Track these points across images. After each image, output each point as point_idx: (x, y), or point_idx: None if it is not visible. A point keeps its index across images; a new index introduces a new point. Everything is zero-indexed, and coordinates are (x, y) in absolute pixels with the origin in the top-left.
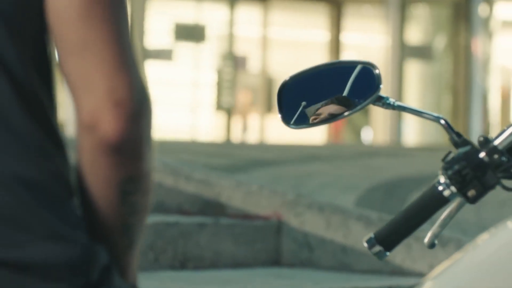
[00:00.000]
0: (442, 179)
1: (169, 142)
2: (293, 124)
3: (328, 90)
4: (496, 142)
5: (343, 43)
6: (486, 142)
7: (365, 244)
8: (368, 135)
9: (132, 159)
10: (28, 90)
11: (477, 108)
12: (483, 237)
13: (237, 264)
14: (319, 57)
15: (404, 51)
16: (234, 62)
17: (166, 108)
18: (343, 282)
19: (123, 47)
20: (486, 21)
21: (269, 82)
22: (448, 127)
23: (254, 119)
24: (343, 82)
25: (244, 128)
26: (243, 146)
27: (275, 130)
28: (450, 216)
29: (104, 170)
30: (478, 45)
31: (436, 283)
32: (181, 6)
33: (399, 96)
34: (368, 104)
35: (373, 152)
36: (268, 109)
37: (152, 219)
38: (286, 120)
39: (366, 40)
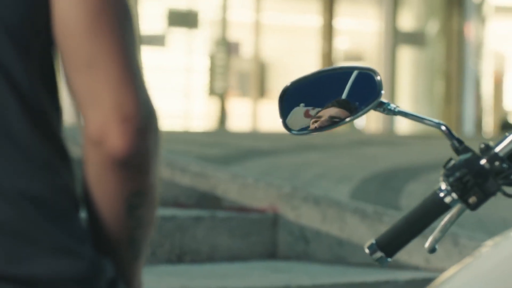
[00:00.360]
0: (443, 186)
1: (162, 131)
2: (294, 130)
3: (329, 95)
4: (497, 149)
5: (336, 29)
6: (487, 149)
7: (367, 250)
8: (361, 120)
9: (138, 174)
10: (34, 104)
11: (470, 93)
12: (487, 247)
13: (233, 257)
14: (312, 42)
15: (397, 37)
16: (227, 47)
17: (159, 93)
18: (339, 277)
19: (130, 62)
20: (479, 6)
21: (262, 67)
22: (449, 133)
23: (246, 104)
24: (344, 87)
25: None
26: (236, 134)
27: (268, 115)
28: (451, 222)
29: (111, 184)
30: (471, 30)
31: None
32: None
33: (392, 82)
34: (369, 109)
35: (366, 140)
36: (261, 94)
37: None
38: (288, 126)
39: (359, 26)
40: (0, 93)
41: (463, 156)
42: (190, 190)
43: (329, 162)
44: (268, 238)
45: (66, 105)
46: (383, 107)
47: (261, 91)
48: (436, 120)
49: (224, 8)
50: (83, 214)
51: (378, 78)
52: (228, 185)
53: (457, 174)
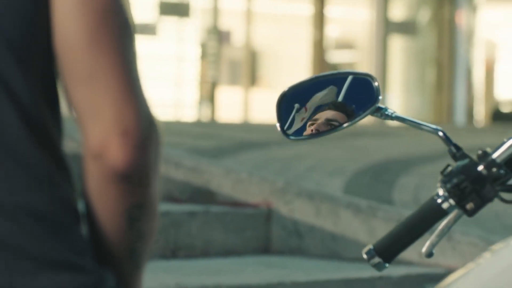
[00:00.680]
0: (440, 192)
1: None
2: (292, 136)
3: (326, 100)
4: (495, 155)
5: (327, 17)
6: (484, 155)
7: (364, 256)
8: None
9: (139, 186)
10: (35, 119)
11: (461, 81)
12: (487, 255)
13: (227, 252)
14: (304, 30)
15: (388, 25)
16: (218, 36)
17: (150, 82)
18: (333, 273)
19: (130, 76)
20: None
21: (253, 55)
22: (446, 139)
23: (237, 92)
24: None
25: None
26: (228, 125)
27: (259, 103)
28: (448, 227)
29: (111, 197)
30: (462, 18)
31: None
32: None
33: (383, 70)
34: (367, 115)
35: (358, 131)
36: (252, 82)
37: None
38: (285, 132)
39: (350, 14)
40: (1, 108)
41: (461, 163)
42: (184, 185)
43: (321, 154)
44: (262, 233)
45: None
46: (380, 112)
47: (253, 80)
48: (433, 126)
49: None
50: (84, 225)
51: (376, 84)
52: (222, 180)
53: (455, 180)
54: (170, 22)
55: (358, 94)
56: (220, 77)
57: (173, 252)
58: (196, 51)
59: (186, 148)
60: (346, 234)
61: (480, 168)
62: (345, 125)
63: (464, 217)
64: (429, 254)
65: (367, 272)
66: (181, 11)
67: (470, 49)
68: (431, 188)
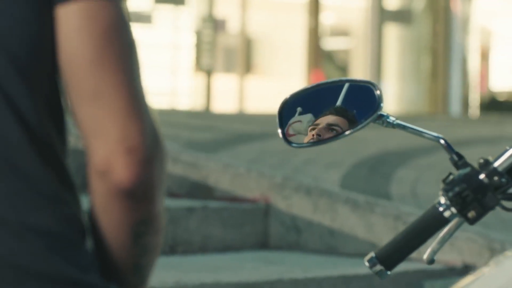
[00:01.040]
0: (442, 200)
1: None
2: (295, 144)
3: (328, 107)
4: (496, 164)
5: (322, 4)
6: (486, 164)
7: (367, 263)
8: None
9: (144, 203)
10: (41, 137)
11: (456, 69)
12: (490, 267)
13: (226, 247)
14: (299, 18)
15: (383, 12)
16: (213, 24)
17: (146, 70)
18: (331, 269)
19: (135, 93)
20: None
21: (248, 43)
22: (448, 147)
23: (233, 80)
24: (344, 100)
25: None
26: (224, 116)
27: (254, 91)
28: (449, 234)
29: (117, 213)
30: (457, 5)
31: None
32: None
33: (378, 58)
34: (369, 122)
35: None
36: (248, 70)
37: None
38: (288, 139)
39: (345, 1)
40: (7, 125)
41: (462, 171)
42: (182, 180)
43: (318, 147)
44: (260, 228)
45: None
46: (382, 120)
47: (248, 67)
48: (435, 134)
49: None
50: (89, 240)
51: (378, 92)
52: (220, 175)
53: (457, 189)
54: (166, 10)
55: (359, 101)
56: (215, 65)
57: (171, 248)
58: (191, 39)
59: (183, 141)
60: (344, 229)
61: (482, 176)
62: (347, 132)
63: None
64: (431, 261)
65: (365, 268)
66: None
67: (465, 37)
68: (429, 181)
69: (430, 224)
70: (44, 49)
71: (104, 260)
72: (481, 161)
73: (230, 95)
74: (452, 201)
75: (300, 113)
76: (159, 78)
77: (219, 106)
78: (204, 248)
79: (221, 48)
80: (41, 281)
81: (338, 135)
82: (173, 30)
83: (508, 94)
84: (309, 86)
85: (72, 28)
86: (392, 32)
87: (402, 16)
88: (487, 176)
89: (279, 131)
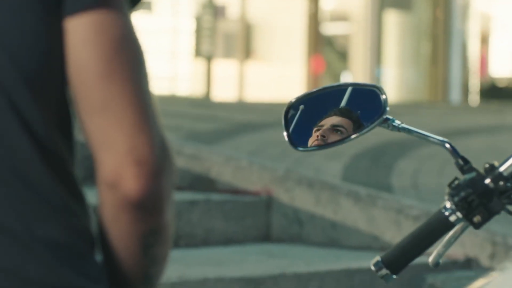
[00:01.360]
0: (448, 205)
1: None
2: (300, 147)
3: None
4: (502, 169)
5: None
6: (491, 168)
7: (372, 268)
8: (347, 80)
9: (153, 214)
10: (50, 148)
11: (456, 55)
12: (496, 274)
13: (228, 240)
14: (298, 3)
15: None
16: (213, 9)
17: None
18: (334, 262)
19: (144, 105)
20: None
21: (248, 28)
22: (453, 151)
23: (233, 66)
24: (349, 104)
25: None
26: (225, 105)
27: (254, 76)
28: (455, 237)
29: (126, 225)
30: None
31: None
32: None
33: (378, 43)
34: (375, 126)
35: None
36: (247, 55)
37: None
38: (294, 143)
39: None
40: (16, 137)
41: (468, 176)
42: (184, 172)
43: None
44: (263, 221)
45: None
46: (388, 123)
47: (247, 53)
48: (440, 138)
49: None
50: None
51: (384, 96)
52: (222, 168)
53: (462, 194)
54: None
55: (364, 104)
56: (215, 51)
57: (174, 241)
58: (191, 25)
59: (184, 132)
60: (346, 222)
61: (487, 181)
62: (353, 136)
63: None
64: (436, 264)
65: (367, 262)
66: None
67: (465, 22)
68: (429, 172)
69: (436, 228)
70: (53, 61)
71: (113, 271)
72: (487, 166)
73: (230, 81)
74: (458, 206)
75: (303, 112)
76: (159, 63)
77: (219, 91)
78: (206, 241)
79: (221, 33)
80: None
81: (344, 139)
82: (173, 16)
83: (508, 80)
84: (314, 89)
85: (81, 40)
86: (392, 18)
87: (402, 1)
88: (492, 181)
89: (285, 133)
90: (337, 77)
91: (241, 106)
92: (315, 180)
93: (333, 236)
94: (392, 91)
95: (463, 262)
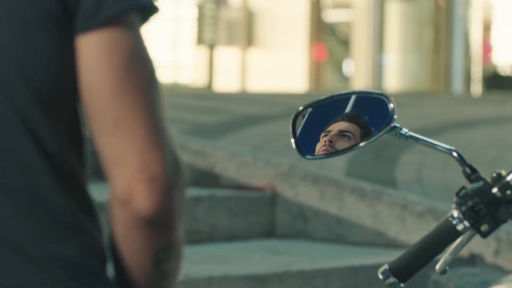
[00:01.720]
0: (455, 214)
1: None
2: (308, 155)
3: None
4: (509, 178)
5: None
6: (499, 178)
7: (380, 276)
8: (349, 68)
9: (165, 230)
10: (62, 165)
11: (458, 42)
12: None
13: (233, 236)
14: None
15: None
16: None
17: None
18: (339, 259)
19: (155, 122)
20: None
21: (250, 16)
22: (461, 160)
23: (235, 53)
24: (357, 111)
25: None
26: (227, 96)
27: (256, 64)
28: (462, 244)
29: (138, 241)
30: None
31: None
32: None
33: (380, 30)
34: (382, 134)
35: None
36: (249, 43)
37: None
38: (301, 151)
39: None
40: (28, 155)
41: (476, 185)
42: (188, 168)
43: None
44: (267, 217)
45: None
46: (395, 131)
47: (250, 41)
48: (448, 146)
49: None
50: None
51: (392, 105)
52: (227, 163)
53: (470, 203)
54: None
55: (372, 112)
56: (217, 39)
57: None
58: (193, 13)
59: (188, 125)
60: (350, 218)
61: (495, 190)
62: (361, 144)
63: None
64: (443, 271)
65: (372, 259)
66: None
67: (468, 10)
68: (433, 165)
69: (443, 237)
70: (65, 79)
71: (125, 286)
72: (494, 175)
73: (232, 69)
74: (465, 215)
75: (310, 119)
76: (160, 51)
77: (221, 79)
78: (211, 237)
79: (223, 21)
80: None
81: (352, 146)
82: (175, 4)
83: (511, 68)
84: (322, 97)
85: (93, 58)
86: (394, 5)
87: None
88: (499, 190)
89: (292, 140)
90: (339, 64)
91: (244, 97)
92: (320, 176)
93: (338, 232)
94: (394, 78)
95: (468, 259)
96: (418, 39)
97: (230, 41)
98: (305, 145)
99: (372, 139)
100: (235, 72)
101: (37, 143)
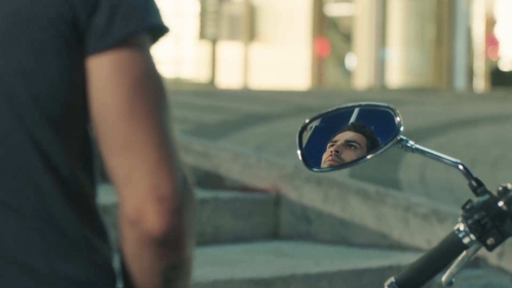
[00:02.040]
0: (461, 227)
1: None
2: (315, 168)
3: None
4: None
5: None
6: (505, 191)
7: None
8: (351, 63)
9: (175, 250)
10: (72, 185)
11: (461, 37)
12: None
13: (237, 238)
14: None
15: None
16: None
17: None
18: (343, 262)
19: (166, 143)
20: None
21: (252, 10)
22: (467, 173)
23: (237, 48)
24: (363, 122)
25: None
26: (230, 93)
27: (258, 58)
28: (468, 257)
29: (148, 260)
30: None
31: None
32: None
33: (383, 25)
34: (389, 147)
35: (361, 100)
36: (252, 38)
37: None
38: (308, 163)
39: None
40: (40, 177)
41: (482, 198)
42: (193, 170)
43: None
44: (271, 218)
45: None
46: (401, 144)
47: (252, 35)
48: (453, 159)
49: None
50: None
51: (398, 118)
52: (231, 165)
53: (476, 216)
54: None
55: (379, 125)
56: (219, 34)
57: None
58: (195, 8)
59: (191, 125)
60: (354, 220)
61: (501, 204)
62: (368, 157)
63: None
64: (449, 283)
65: (376, 261)
66: None
67: (470, 4)
68: (437, 167)
69: (449, 250)
70: (75, 100)
71: None
72: (500, 188)
73: (234, 64)
74: (471, 228)
75: (317, 131)
76: (163, 46)
77: (224, 74)
78: (216, 239)
79: (226, 16)
80: None
81: (359, 159)
82: None
83: None
84: (328, 110)
85: (104, 79)
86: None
87: None
88: (505, 203)
89: (299, 152)
90: (341, 59)
91: (246, 95)
92: (324, 178)
93: (342, 234)
94: (396, 73)
95: (472, 261)
96: (421, 33)
97: (232, 36)
98: (312, 157)
99: (379, 152)
100: (237, 67)
101: (48, 164)
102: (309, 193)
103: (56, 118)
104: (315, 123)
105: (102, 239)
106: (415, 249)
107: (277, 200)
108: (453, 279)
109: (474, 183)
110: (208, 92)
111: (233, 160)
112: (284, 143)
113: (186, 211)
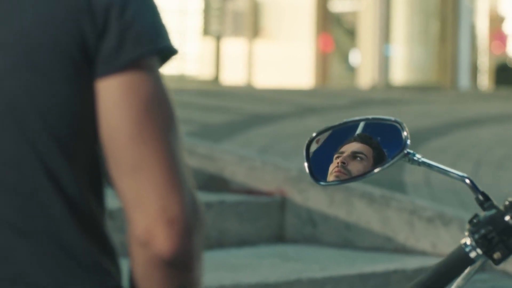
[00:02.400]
0: (468, 241)
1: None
2: (322, 181)
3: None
4: None
5: None
6: (511, 206)
7: None
8: (355, 59)
9: (184, 271)
10: (81, 207)
11: (465, 33)
12: None
13: (242, 241)
14: None
15: None
16: None
17: None
18: (349, 266)
19: (175, 165)
20: None
21: (256, 7)
22: (473, 187)
23: (241, 44)
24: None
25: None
26: (234, 92)
27: (262, 55)
28: (474, 270)
29: (157, 281)
30: None
31: None
32: None
33: (387, 21)
34: (396, 161)
35: (365, 100)
36: (256, 34)
37: None
38: (315, 177)
39: None
40: (49, 200)
41: (488, 213)
42: (198, 172)
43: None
44: (276, 222)
45: None
46: (408, 157)
47: (256, 31)
48: (460, 173)
49: None
50: None
51: (405, 133)
52: (236, 168)
53: (483, 231)
54: None
55: (386, 139)
56: (223, 30)
57: None
58: (199, 4)
59: (195, 126)
60: (359, 223)
61: (507, 218)
62: (375, 170)
63: (476, 205)
64: None
65: (382, 265)
66: None
67: (474, 1)
68: None
69: (456, 264)
70: (84, 122)
71: None
72: (507, 203)
73: (238, 60)
74: (478, 243)
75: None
76: None
77: (228, 70)
78: (221, 242)
79: (230, 13)
80: None
81: (366, 173)
82: None
83: None
84: (335, 123)
85: (112, 102)
86: None
87: None
88: None
89: (306, 165)
90: (345, 55)
91: (251, 94)
92: None
93: (347, 237)
94: (400, 69)
95: None
96: (425, 30)
97: (236, 32)
98: (319, 170)
99: (386, 166)
100: (241, 63)
101: (57, 186)
102: (315, 197)
103: (66, 140)
104: (322, 136)
105: (111, 261)
106: (420, 253)
107: (282, 204)
108: None
109: (481, 197)
110: (212, 91)
111: (238, 163)
112: (289, 145)
113: (195, 233)
